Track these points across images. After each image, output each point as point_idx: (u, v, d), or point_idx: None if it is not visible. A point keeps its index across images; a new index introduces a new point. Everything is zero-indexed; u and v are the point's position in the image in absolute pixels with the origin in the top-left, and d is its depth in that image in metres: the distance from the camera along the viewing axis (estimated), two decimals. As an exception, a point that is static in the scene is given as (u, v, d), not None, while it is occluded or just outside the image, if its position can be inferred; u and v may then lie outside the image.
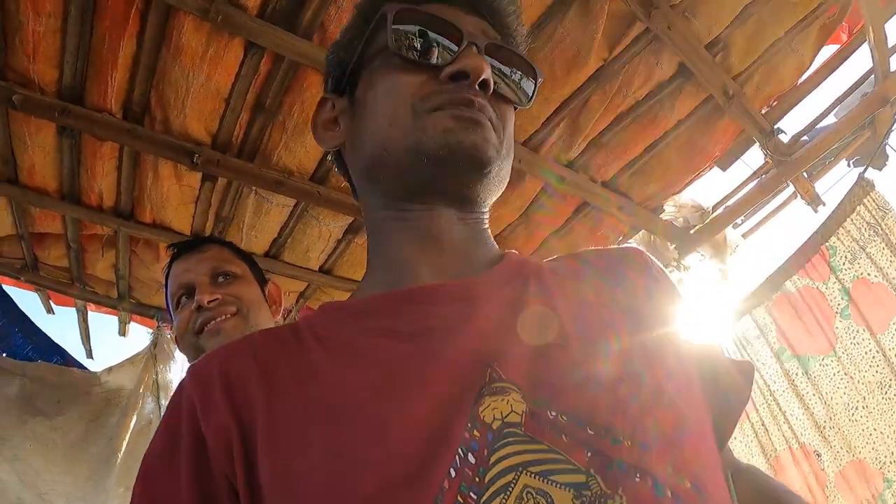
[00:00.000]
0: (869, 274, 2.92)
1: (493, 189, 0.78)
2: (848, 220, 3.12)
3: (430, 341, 0.64)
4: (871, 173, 3.53)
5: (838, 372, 2.95)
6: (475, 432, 0.55)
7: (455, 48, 0.75)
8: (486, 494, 0.51)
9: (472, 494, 0.52)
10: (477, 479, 0.52)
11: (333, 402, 0.61)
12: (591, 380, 0.60)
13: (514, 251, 0.81)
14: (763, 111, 2.74)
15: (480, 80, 0.72)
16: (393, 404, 0.59)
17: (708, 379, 0.71)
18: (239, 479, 0.58)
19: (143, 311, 3.34)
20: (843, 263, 2.99)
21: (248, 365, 0.65)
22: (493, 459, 0.53)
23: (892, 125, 3.35)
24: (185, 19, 1.91)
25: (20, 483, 2.77)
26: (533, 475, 0.52)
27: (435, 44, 0.76)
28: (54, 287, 3.21)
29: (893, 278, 2.85)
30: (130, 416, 3.17)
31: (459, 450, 0.54)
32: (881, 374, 2.83)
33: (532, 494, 0.51)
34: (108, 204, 2.63)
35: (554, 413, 0.56)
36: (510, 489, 0.51)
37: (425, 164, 0.71)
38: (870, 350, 2.87)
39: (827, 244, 3.07)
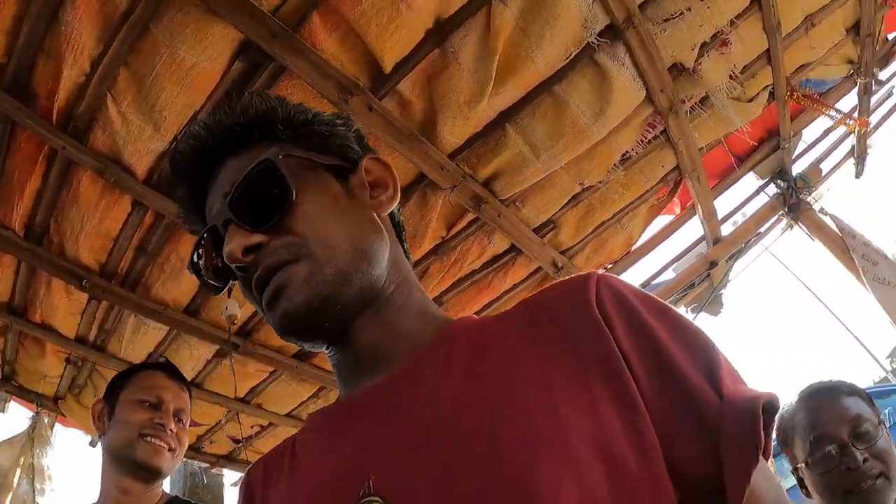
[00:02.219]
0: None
1: (355, 285, 0.76)
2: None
3: (334, 455, 0.73)
4: (707, 318, 4.01)
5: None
6: None
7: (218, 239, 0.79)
8: None
9: None
10: None
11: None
12: (443, 487, 0.61)
13: (462, 318, 0.83)
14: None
15: (244, 252, 0.75)
16: None
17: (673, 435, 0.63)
18: None
19: (24, 394, 3.42)
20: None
21: (259, 474, 0.86)
22: None
23: (725, 279, 3.84)
24: (84, 173, 2.17)
25: None
26: None
27: (208, 258, 0.83)
28: None
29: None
30: (4, 496, 3.24)
31: None
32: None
33: None
34: (2, 300, 2.78)
35: None
36: None
37: (299, 343, 0.81)
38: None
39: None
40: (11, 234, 2.41)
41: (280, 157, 0.78)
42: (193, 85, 1.94)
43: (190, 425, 2.02)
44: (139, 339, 2.84)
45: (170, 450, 1.87)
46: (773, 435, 0.64)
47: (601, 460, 0.59)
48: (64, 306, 2.72)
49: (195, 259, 0.84)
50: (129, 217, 2.32)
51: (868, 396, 1.70)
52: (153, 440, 1.84)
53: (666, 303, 0.74)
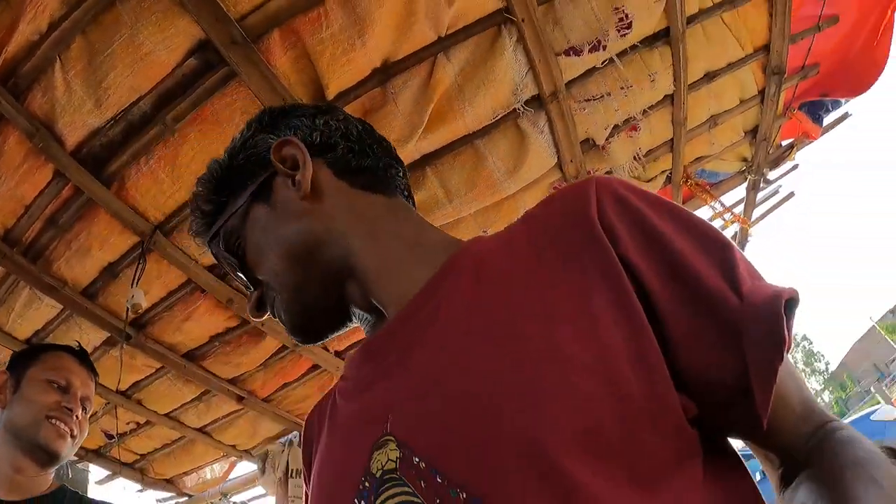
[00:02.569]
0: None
1: (314, 297, 0.85)
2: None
3: (360, 398, 0.77)
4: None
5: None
6: (366, 483, 0.65)
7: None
8: None
9: None
10: None
11: (321, 451, 0.81)
12: (447, 427, 0.61)
13: (472, 239, 0.83)
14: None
15: (258, 314, 0.90)
16: (330, 462, 0.76)
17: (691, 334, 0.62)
18: None
19: None
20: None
21: (314, 418, 0.90)
22: (378, 502, 0.63)
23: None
24: (13, 133, 2.14)
25: None
26: None
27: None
28: None
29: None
30: None
31: (354, 499, 0.66)
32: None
33: None
34: None
35: (417, 459, 0.61)
36: None
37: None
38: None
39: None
40: None
41: (219, 229, 0.91)
42: (145, 70, 2.01)
43: None
44: (30, 313, 2.76)
45: (72, 436, 1.83)
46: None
47: (603, 391, 0.58)
48: (-46, 267, 2.65)
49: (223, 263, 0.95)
50: (48, 186, 2.31)
51: None
52: (59, 423, 1.80)
53: (674, 202, 0.70)
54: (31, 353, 1.99)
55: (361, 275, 0.82)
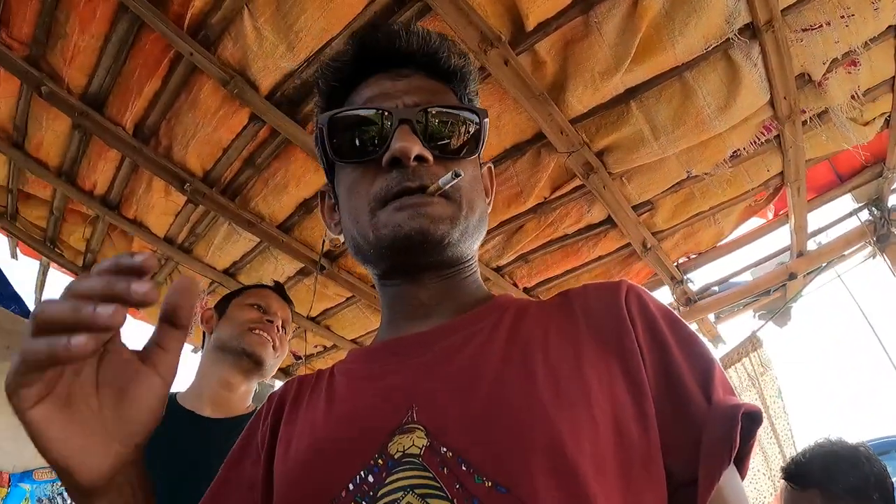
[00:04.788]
0: (736, 420, 3.27)
1: (463, 248, 0.87)
2: (732, 367, 3.51)
3: (379, 384, 0.79)
4: (772, 328, 3.95)
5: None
6: (379, 460, 0.69)
7: (388, 127, 0.83)
8: None
9: (363, 502, 0.66)
10: (371, 493, 0.67)
11: (313, 419, 0.82)
12: (481, 424, 0.68)
13: (505, 294, 0.93)
14: (679, 261, 3.14)
15: (413, 158, 0.81)
16: (335, 432, 0.77)
17: (675, 423, 0.71)
18: (263, 465, 0.84)
19: None
20: (719, 403, 3.32)
21: (291, 390, 0.90)
22: (388, 480, 0.67)
23: (799, 294, 3.77)
24: (207, 81, 2.20)
25: (-48, 413, 2.96)
26: (416, 495, 0.64)
27: (368, 138, 0.84)
28: (26, 240, 3.41)
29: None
30: None
31: (361, 472, 0.69)
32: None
33: None
34: (99, 192, 2.87)
35: (444, 448, 0.67)
36: (398, 503, 0.65)
37: (388, 254, 0.84)
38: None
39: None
40: (121, 131, 2.46)
41: (484, 120, 0.90)
42: (335, 11, 1.94)
43: None
44: (228, 246, 2.90)
45: (273, 347, 1.97)
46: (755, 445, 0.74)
47: (612, 428, 0.69)
48: (160, 206, 2.79)
49: (340, 135, 0.87)
50: (244, 129, 2.35)
51: None
52: (261, 332, 1.96)
53: (679, 317, 0.82)
54: (233, 293, 2.17)
55: (450, 279, 0.89)
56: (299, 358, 3.71)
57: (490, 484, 0.63)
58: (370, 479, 0.68)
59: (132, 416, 0.63)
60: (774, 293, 3.73)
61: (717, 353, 3.72)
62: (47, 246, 3.43)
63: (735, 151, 2.53)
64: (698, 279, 3.39)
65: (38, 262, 3.67)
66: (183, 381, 2.73)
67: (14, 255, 3.63)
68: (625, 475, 0.67)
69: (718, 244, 3.14)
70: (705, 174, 2.59)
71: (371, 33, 0.93)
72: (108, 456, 0.62)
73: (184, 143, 2.45)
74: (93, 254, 3.35)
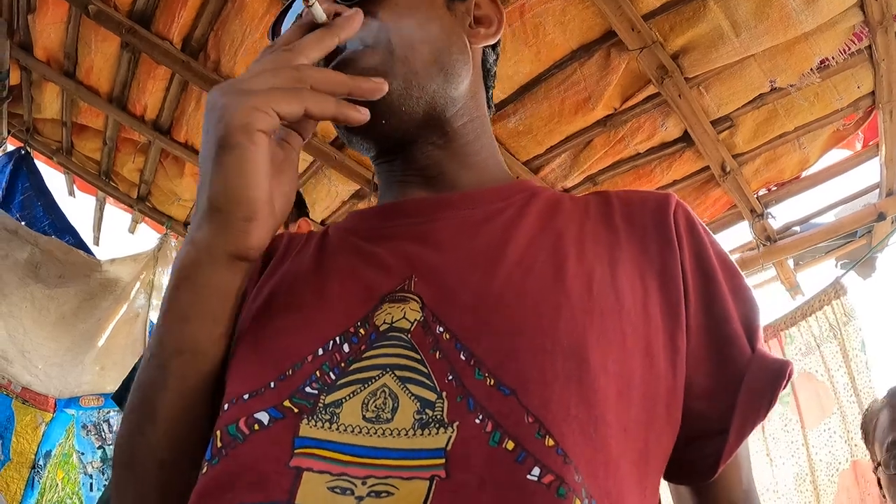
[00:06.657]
0: (817, 371, 3.01)
1: (421, 102, 0.71)
2: (813, 315, 3.27)
3: (377, 245, 0.68)
4: (855, 279, 3.67)
5: (762, 450, 3.10)
6: (361, 330, 0.59)
7: None
8: (344, 379, 0.56)
9: (331, 374, 0.57)
10: (342, 364, 0.57)
11: (295, 272, 0.71)
12: (493, 308, 0.59)
13: (526, 180, 0.81)
14: (759, 193, 2.91)
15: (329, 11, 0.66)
16: (314, 288, 0.67)
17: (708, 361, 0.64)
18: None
19: (157, 216, 3.58)
20: (796, 354, 3.07)
21: (282, 243, 0.79)
22: (366, 354, 0.57)
23: (887, 240, 3.49)
24: None
25: (8, 338, 3.01)
26: (396, 378, 0.55)
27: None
28: (81, 174, 3.47)
29: (837, 382, 2.94)
30: (121, 305, 3.43)
31: (337, 338, 0.59)
32: (799, 466, 2.93)
33: (386, 394, 0.54)
34: (150, 116, 2.87)
35: (441, 329, 0.57)
36: (370, 383, 0.55)
37: (344, 131, 0.75)
38: (796, 441, 2.98)
39: (787, 332, 3.21)
40: (168, 45, 2.44)
41: None
42: None
43: None
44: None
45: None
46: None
47: (642, 350, 0.60)
48: (210, 125, 2.71)
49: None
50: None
51: None
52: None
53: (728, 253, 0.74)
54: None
55: (445, 147, 0.76)
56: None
57: (492, 382, 0.53)
58: (345, 347, 0.59)
59: (284, 200, 0.62)
60: (860, 238, 3.47)
61: (794, 304, 3.48)
62: (102, 179, 3.45)
63: (823, 61, 2.29)
64: (779, 216, 3.15)
65: (93, 199, 3.69)
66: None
67: (71, 192, 3.65)
68: (648, 409, 0.59)
69: (803, 174, 2.90)
70: (790, 86, 2.36)
71: None
72: (271, 230, 0.60)
73: (231, 53, 2.39)
74: (146, 184, 3.35)
